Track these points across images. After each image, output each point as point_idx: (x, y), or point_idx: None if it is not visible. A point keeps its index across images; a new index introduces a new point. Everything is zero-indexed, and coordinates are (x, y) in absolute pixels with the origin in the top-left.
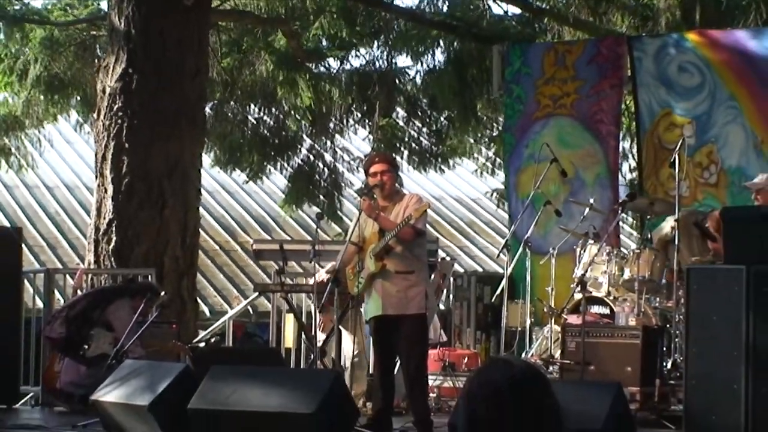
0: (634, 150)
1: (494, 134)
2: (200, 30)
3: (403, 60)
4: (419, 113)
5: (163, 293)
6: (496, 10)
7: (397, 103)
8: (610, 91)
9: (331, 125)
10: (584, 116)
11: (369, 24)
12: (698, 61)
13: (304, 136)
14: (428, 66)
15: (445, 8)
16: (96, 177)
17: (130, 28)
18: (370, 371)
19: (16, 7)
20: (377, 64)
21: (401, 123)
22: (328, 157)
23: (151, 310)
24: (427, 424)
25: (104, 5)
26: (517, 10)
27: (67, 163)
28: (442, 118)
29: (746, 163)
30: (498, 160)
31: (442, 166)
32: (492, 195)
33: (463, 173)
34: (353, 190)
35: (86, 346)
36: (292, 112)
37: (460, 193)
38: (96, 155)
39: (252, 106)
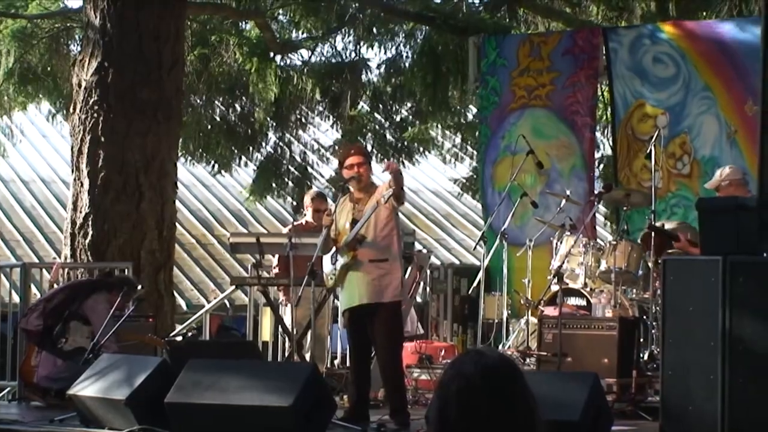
0: (605, 140)
1: (463, 122)
2: (177, 22)
3: (375, 51)
4: (385, 105)
5: (140, 287)
6: None
7: (365, 94)
8: (585, 82)
9: (299, 116)
10: (559, 107)
11: (342, 14)
12: (673, 51)
13: (272, 127)
14: (405, 56)
15: None
16: (72, 171)
17: (105, 22)
18: (327, 363)
19: None
20: (344, 56)
21: (368, 114)
22: (296, 148)
23: (128, 303)
24: (404, 415)
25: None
26: None
27: (43, 157)
28: (403, 110)
29: (719, 153)
30: (467, 148)
31: (406, 159)
32: (455, 182)
33: (440, 165)
34: (324, 180)
35: (63, 340)
36: (262, 103)
37: (436, 185)
38: (72, 149)
39: (220, 97)
